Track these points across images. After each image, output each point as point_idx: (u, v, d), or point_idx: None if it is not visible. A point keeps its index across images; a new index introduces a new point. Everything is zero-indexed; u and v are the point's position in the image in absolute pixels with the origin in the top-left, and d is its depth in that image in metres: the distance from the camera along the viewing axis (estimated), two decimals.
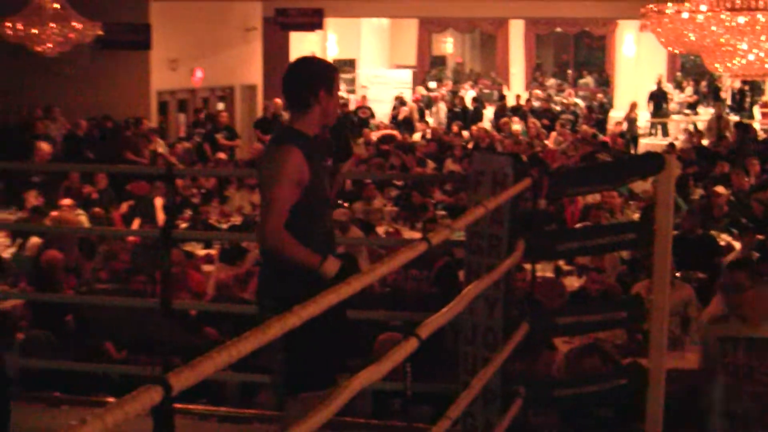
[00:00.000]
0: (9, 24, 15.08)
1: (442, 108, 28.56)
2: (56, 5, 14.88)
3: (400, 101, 28.81)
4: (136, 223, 13.05)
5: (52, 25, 14.86)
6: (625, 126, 25.87)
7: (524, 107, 27.99)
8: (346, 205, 13.72)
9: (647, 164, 5.36)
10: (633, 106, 26.85)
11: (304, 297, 4.44)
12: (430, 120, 27.78)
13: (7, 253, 11.93)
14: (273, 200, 4.39)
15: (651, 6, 14.29)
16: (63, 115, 20.94)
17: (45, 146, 17.19)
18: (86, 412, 6.63)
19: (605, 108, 29.39)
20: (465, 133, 23.67)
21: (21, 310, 9.65)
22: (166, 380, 1.93)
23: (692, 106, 30.66)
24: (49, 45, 15.05)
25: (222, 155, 18.68)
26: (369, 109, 27.61)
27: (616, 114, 28.40)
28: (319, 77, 4.54)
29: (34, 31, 14.94)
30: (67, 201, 13.34)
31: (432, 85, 31.97)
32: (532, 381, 5.18)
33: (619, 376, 5.35)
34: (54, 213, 12.43)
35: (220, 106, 24.80)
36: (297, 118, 4.58)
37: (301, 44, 30.62)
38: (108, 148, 19.20)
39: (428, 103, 29.51)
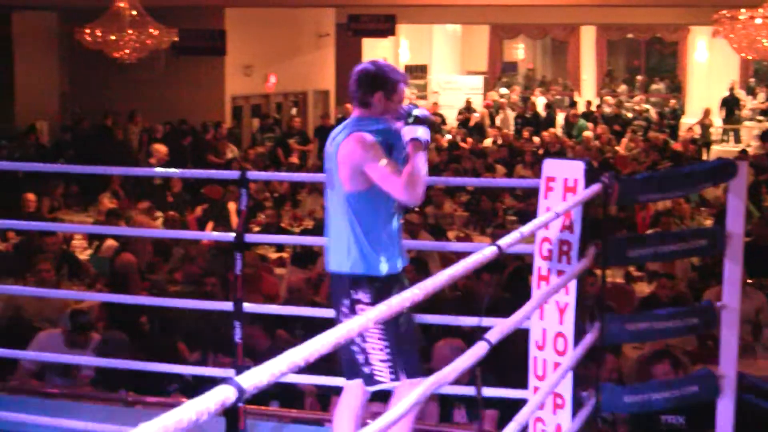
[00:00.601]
0: (88, 31, 15.30)
1: (510, 114, 28.48)
2: (134, 12, 15.06)
3: (467, 107, 28.81)
4: (209, 227, 13.19)
5: (130, 31, 15.05)
6: (698, 132, 25.62)
7: (595, 113, 27.84)
8: (416, 209, 13.78)
9: (719, 171, 5.35)
10: (707, 113, 26.56)
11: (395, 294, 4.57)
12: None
13: (84, 255, 12.12)
14: (383, 174, 4.53)
15: (724, 12, 14.18)
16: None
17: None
18: (160, 412, 6.73)
19: (677, 114, 29.11)
20: (536, 139, 23.61)
21: (97, 311, 9.82)
22: (238, 382, 1.96)
23: (765, 113, 30.23)
24: (127, 51, 15.24)
25: (294, 159, 18.81)
26: (440, 115, 27.61)
27: (688, 120, 28.12)
28: (378, 81, 4.69)
29: (112, 37, 15.13)
30: (143, 204, 13.52)
31: (503, 90, 31.88)
32: (603, 387, 5.19)
33: (690, 384, 5.34)
34: (135, 216, 12.61)
35: (293, 111, 24.95)
36: (360, 113, 4.74)
37: (374, 50, 30.71)
38: (189, 152, 19.50)
39: (498, 108, 29.45)
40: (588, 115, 27.42)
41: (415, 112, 4.68)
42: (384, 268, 4.65)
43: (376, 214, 4.66)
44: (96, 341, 8.21)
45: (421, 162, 4.57)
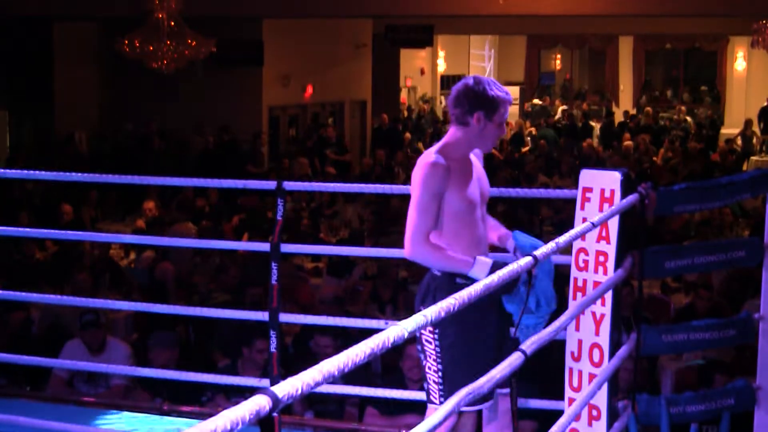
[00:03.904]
0: (126, 41, 15.40)
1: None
2: (172, 23, 15.13)
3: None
4: (245, 237, 13.24)
5: (168, 42, 15.12)
6: (739, 143, 25.47)
7: (630, 124, 27.78)
8: None
9: (758, 182, 5.32)
10: (748, 123, 26.41)
11: (462, 310, 4.50)
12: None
13: (122, 264, 12.20)
14: (413, 212, 4.47)
15: (763, 21, 14.09)
16: (176, 131, 21.41)
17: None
18: (194, 421, 6.76)
19: (717, 125, 28.95)
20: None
21: (134, 320, 9.88)
22: (273, 391, 1.96)
23: None
24: (165, 61, 15.31)
25: (331, 170, 18.85)
26: None
27: (727, 131, 27.96)
28: (479, 100, 4.51)
29: (151, 48, 15.21)
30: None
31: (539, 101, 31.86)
32: (639, 398, 5.16)
33: (727, 395, 5.31)
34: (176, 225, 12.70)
35: (329, 121, 25.01)
36: (454, 131, 4.61)
37: (411, 60, 30.75)
38: (229, 162, 19.65)
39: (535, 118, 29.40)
40: (625, 126, 27.39)
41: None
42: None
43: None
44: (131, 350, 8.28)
45: (448, 263, 4.47)
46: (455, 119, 4.59)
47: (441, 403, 4.47)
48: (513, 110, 29.67)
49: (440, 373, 4.56)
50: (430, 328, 4.49)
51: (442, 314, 2.66)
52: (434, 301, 4.45)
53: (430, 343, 4.55)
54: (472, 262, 4.45)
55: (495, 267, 4.40)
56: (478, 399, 4.49)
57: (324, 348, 7.76)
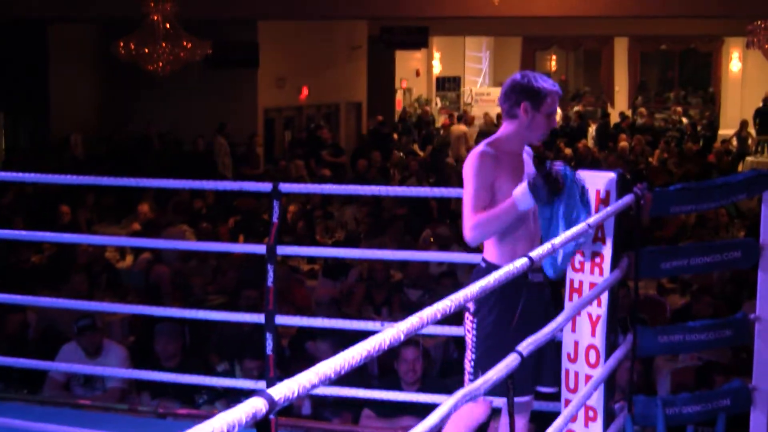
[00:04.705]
0: (122, 44, 15.40)
1: None
2: (167, 25, 15.13)
3: (498, 120, 28.84)
4: (240, 239, 13.24)
5: (164, 44, 15.12)
6: (735, 144, 25.49)
7: (622, 125, 27.81)
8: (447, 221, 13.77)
9: (753, 182, 5.32)
10: (744, 124, 26.43)
11: (500, 304, 4.47)
12: None
13: (119, 266, 12.19)
14: (466, 200, 4.49)
15: (758, 22, 14.10)
16: (173, 133, 21.42)
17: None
18: (190, 424, 6.75)
19: (713, 126, 28.96)
20: (568, 150, 23.55)
21: (129, 324, 9.87)
22: (270, 394, 1.97)
23: None
24: (160, 64, 15.31)
25: (326, 171, 18.84)
26: None
27: (722, 131, 27.98)
28: (525, 92, 4.56)
29: (146, 50, 15.21)
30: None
31: None
32: (636, 399, 5.16)
33: (723, 396, 5.31)
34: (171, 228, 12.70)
35: (321, 123, 25.00)
36: (505, 126, 4.65)
37: (407, 62, 30.76)
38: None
39: None
40: (621, 127, 27.41)
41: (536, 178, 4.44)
42: None
43: None
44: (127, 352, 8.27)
45: (503, 215, 4.46)
46: (505, 114, 4.64)
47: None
48: None
49: (473, 363, 4.56)
50: (471, 317, 4.52)
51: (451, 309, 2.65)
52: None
53: (470, 332, 4.56)
54: (513, 200, 4.43)
55: (531, 185, 4.40)
56: (519, 391, 4.50)
57: (323, 354, 7.75)
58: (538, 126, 4.60)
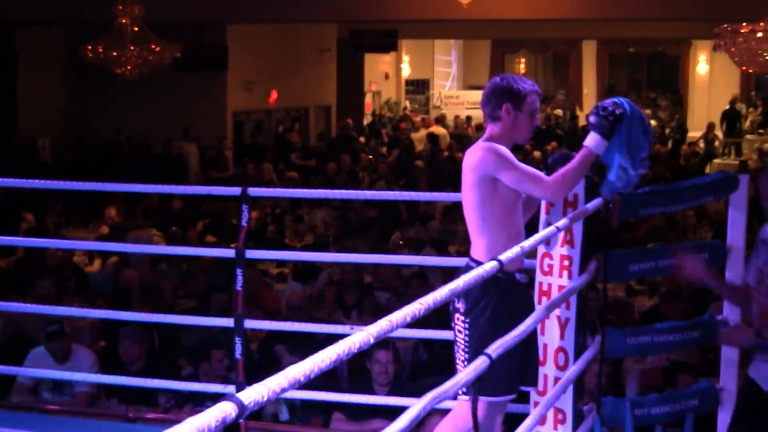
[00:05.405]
0: (90, 47, 15.34)
1: None
2: (136, 28, 15.09)
3: (468, 122, 28.91)
4: (209, 239, 13.21)
5: (132, 47, 15.07)
6: (702, 145, 25.65)
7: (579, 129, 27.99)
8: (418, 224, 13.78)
9: (721, 185, 5.36)
10: (711, 127, 26.59)
11: (493, 304, 4.45)
12: None
13: (86, 271, 12.12)
14: (522, 176, 4.47)
15: (725, 25, 14.18)
16: (142, 136, 21.35)
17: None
18: (160, 427, 6.73)
19: (683, 128, 29.11)
20: (537, 153, 23.61)
21: (98, 328, 9.82)
22: (239, 398, 1.96)
23: (763, 125, 30.15)
24: (129, 67, 15.26)
25: (294, 174, 18.81)
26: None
27: (690, 134, 28.15)
28: (506, 93, 4.59)
29: (114, 53, 15.16)
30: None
31: None
32: (605, 401, 5.19)
33: (691, 397, 5.35)
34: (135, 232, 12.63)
35: (281, 128, 24.99)
36: (490, 128, 4.65)
37: (376, 65, 30.77)
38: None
39: None
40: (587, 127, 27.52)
41: (591, 119, 4.72)
42: None
43: None
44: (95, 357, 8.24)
45: (580, 165, 4.59)
46: (488, 117, 4.67)
47: (464, 393, 4.42)
48: (477, 114, 29.93)
49: (465, 363, 4.52)
50: (462, 318, 4.51)
51: (415, 314, 2.66)
52: (474, 296, 4.46)
53: (461, 332, 4.54)
54: (585, 148, 4.64)
55: (590, 124, 4.70)
56: (501, 391, 4.50)
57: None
58: (521, 126, 4.62)
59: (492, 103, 4.62)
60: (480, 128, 27.37)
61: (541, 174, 4.52)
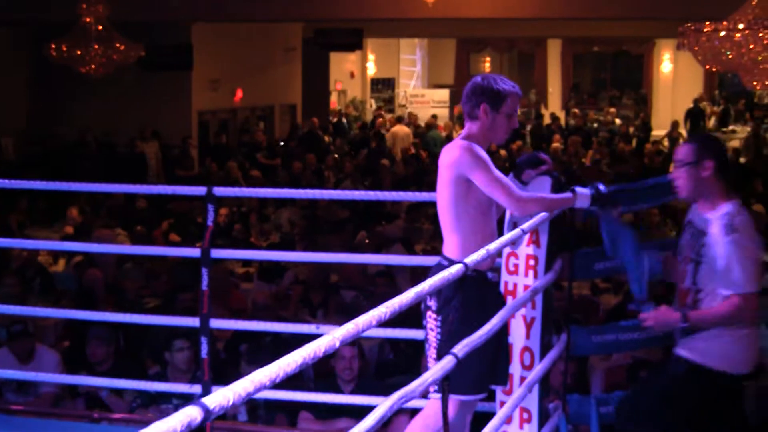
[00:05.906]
0: (54, 46, 15.26)
1: None
2: (100, 27, 15.02)
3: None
4: (173, 237, 13.18)
5: (96, 46, 15.01)
6: (666, 144, 25.78)
7: (552, 126, 28.05)
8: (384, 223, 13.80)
9: None
10: (675, 125, 26.73)
11: (465, 303, 4.46)
12: None
13: (51, 271, 12.06)
14: (494, 181, 4.49)
15: (689, 24, 14.25)
16: (107, 135, 21.25)
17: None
18: (125, 428, 6.71)
19: (647, 127, 29.23)
20: (503, 152, 23.67)
21: (62, 328, 9.76)
22: (205, 402, 1.97)
23: (723, 123, 30.32)
24: (93, 66, 15.20)
25: (256, 173, 18.77)
26: None
27: (654, 132, 28.27)
28: (485, 93, 4.61)
29: (78, 52, 15.09)
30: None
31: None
32: (570, 398, 5.21)
33: None
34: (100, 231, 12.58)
35: (246, 127, 24.95)
36: (468, 126, 4.67)
37: (341, 64, 30.75)
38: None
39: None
40: (551, 126, 27.71)
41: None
42: None
43: None
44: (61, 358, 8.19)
45: (556, 203, 4.78)
46: (467, 115, 4.69)
47: (435, 391, 4.42)
48: (443, 113, 29.98)
49: (437, 361, 4.50)
50: (434, 315, 4.51)
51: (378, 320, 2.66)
52: (446, 294, 4.46)
53: (433, 330, 4.54)
54: (572, 195, 4.82)
55: (595, 197, 4.90)
56: (472, 390, 4.51)
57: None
58: (498, 126, 4.65)
59: (471, 102, 4.64)
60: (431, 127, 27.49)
61: (513, 186, 4.54)
